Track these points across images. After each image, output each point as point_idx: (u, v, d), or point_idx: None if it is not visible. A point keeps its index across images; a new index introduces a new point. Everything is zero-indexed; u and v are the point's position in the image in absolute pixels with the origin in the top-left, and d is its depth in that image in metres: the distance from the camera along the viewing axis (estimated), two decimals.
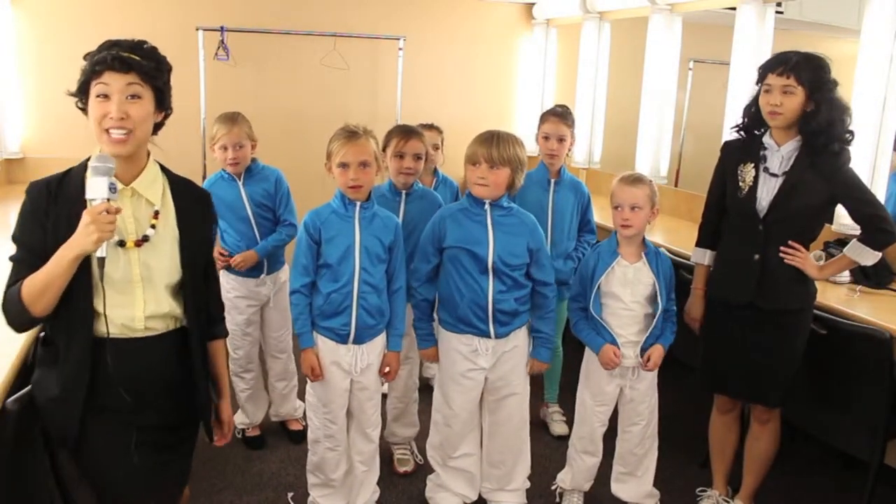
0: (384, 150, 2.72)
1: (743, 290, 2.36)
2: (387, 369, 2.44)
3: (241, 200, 2.96)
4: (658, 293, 2.44)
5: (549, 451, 3.10)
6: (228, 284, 2.98)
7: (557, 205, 3.05)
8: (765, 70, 2.31)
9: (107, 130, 1.57)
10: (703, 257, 2.53)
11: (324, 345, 2.35)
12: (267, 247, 2.98)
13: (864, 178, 3.02)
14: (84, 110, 1.62)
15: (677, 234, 3.74)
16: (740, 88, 3.75)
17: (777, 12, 3.71)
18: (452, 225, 2.37)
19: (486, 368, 2.44)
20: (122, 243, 1.59)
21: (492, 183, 2.31)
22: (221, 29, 4.59)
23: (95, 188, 1.55)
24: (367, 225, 2.32)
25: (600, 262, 2.47)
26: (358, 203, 2.31)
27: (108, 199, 1.53)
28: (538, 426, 3.32)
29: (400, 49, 5.05)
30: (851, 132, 2.28)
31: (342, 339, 2.33)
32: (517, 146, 2.34)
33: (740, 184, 2.36)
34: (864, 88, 3.05)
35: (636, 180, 2.43)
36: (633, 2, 4.55)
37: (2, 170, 4.48)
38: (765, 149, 2.35)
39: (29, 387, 1.63)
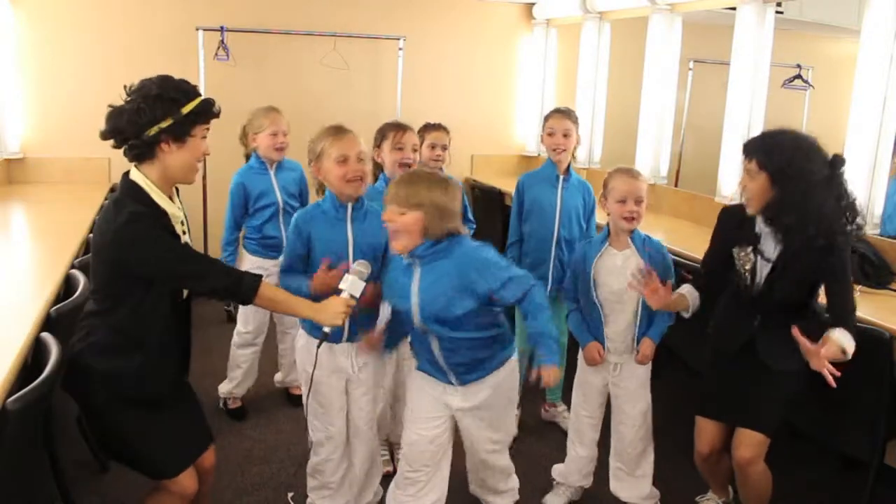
0: (379, 146, 2.73)
1: (741, 339, 2.30)
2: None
3: (273, 189, 3.24)
4: None
5: (549, 451, 3.10)
6: (250, 264, 3.25)
7: (566, 202, 3.07)
8: (742, 151, 2.23)
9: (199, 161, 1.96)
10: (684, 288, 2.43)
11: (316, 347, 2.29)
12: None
13: (864, 178, 3.03)
14: (161, 140, 1.87)
15: (677, 234, 3.74)
16: (740, 88, 3.76)
17: (777, 12, 3.71)
18: (390, 273, 2.16)
19: (456, 408, 2.21)
20: (186, 244, 1.98)
21: (401, 226, 1.98)
22: (221, 29, 4.60)
23: (356, 288, 2.03)
24: (360, 224, 2.26)
25: (589, 252, 2.50)
26: (350, 205, 2.24)
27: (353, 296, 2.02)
28: (538, 426, 3.33)
29: (400, 49, 5.05)
30: (847, 228, 2.09)
31: (336, 338, 2.29)
32: (434, 189, 1.98)
33: (738, 269, 2.27)
34: (864, 88, 3.05)
35: (637, 173, 2.45)
36: (633, 2, 4.55)
37: (2, 170, 4.49)
38: (759, 230, 2.24)
39: (37, 381, 1.63)
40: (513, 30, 5.61)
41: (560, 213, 3.06)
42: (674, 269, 2.52)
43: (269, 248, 3.27)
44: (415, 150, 2.72)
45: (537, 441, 3.19)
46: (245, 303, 1.97)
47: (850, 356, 2.05)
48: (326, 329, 2.03)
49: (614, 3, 4.75)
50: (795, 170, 2.06)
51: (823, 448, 2.99)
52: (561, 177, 3.07)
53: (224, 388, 3.36)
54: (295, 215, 2.34)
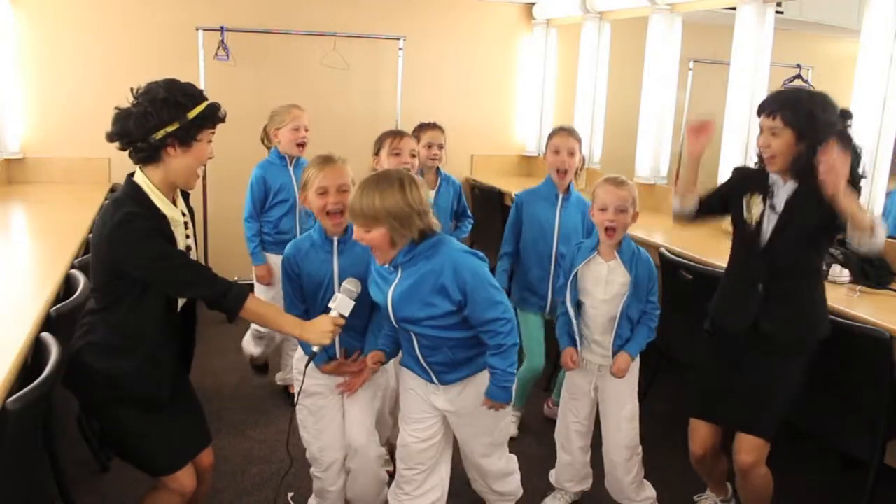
0: (377, 154, 2.71)
1: (744, 316, 2.28)
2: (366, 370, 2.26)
3: (291, 184, 3.31)
4: (627, 292, 2.40)
5: (549, 452, 3.09)
6: (268, 260, 3.40)
7: (564, 220, 3.04)
8: (758, 110, 2.25)
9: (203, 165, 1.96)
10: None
11: (313, 366, 2.27)
12: None
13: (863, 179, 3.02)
14: (172, 142, 1.87)
15: (677, 235, 3.73)
16: (740, 88, 3.75)
17: (777, 12, 3.71)
18: (371, 282, 2.13)
19: (441, 409, 2.20)
20: (189, 248, 2.01)
21: (369, 242, 1.96)
22: (221, 29, 4.60)
23: (345, 307, 2.02)
24: (347, 258, 2.19)
25: (578, 258, 2.49)
26: (335, 239, 2.19)
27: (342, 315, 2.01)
28: (540, 426, 3.33)
29: (400, 49, 5.05)
30: (859, 175, 2.15)
31: (321, 359, 2.26)
32: (386, 197, 1.90)
33: (745, 216, 2.28)
34: (864, 88, 3.05)
35: (622, 182, 2.42)
36: (633, 2, 4.56)
37: (2, 170, 4.49)
38: (773, 182, 2.27)
39: (35, 384, 1.63)
40: (513, 30, 5.61)
41: (559, 232, 3.04)
42: (656, 286, 2.47)
43: (283, 243, 3.31)
44: (413, 156, 2.70)
45: (538, 442, 3.19)
46: (231, 314, 1.94)
47: (877, 240, 2.01)
48: (315, 348, 2.04)
49: (614, 3, 4.75)
50: (820, 123, 2.10)
51: (823, 448, 2.99)
52: (560, 195, 3.05)
53: (248, 348, 3.59)
54: (285, 251, 2.27)
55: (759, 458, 2.28)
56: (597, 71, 5.00)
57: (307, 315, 2.21)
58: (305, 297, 2.25)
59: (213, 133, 1.95)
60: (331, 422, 2.35)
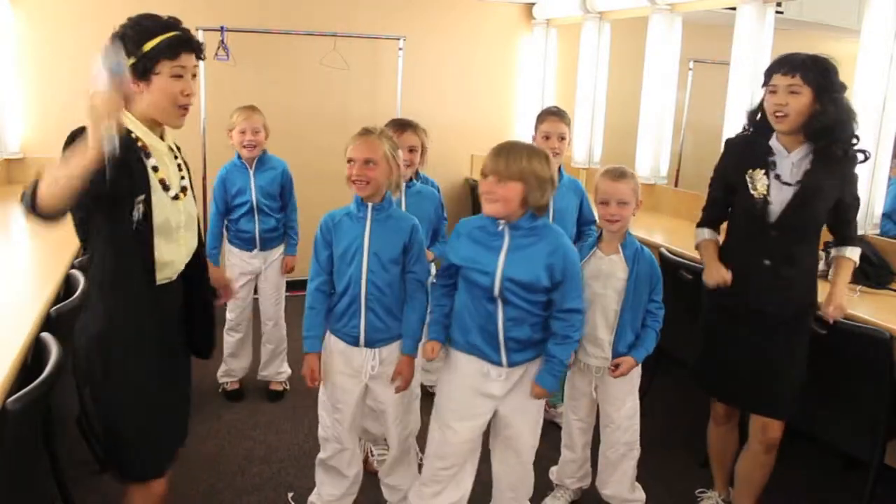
0: None
1: (754, 295, 2.29)
2: (398, 380, 2.29)
3: (249, 187, 3.33)
4: (627, 288, 2.39)
5: (548, 451, 3.09)
6: (231, 255, 3.48)
7: (558, 205, 3.03)
8: (770, 71, 2.24)
9: (181, 105, 1.78)
10: (705, 233, 2.51)
11: (336, 346, 2.31)
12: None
13: (864, 178, 3.03)
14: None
15: (677, 234, 3.73)
16: (740, 88, 3.76)
17: (777, 12, 3.71)
18: (466, 242, 2.17)
19: (499, 397, 2.21)
20: (176, 196, 1.83)
21: (501, 197, 2.04)
22: (221, 29, 4.59)
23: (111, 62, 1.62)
24: (380, 226, 2.23)
25: (581, 253, 2.46)
26: (370, 204, 2.23)
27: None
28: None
29: (400, 49, 5.05)
30: (857, 137, 2.23)
31: (354, 341, 2.28)
32: (533, 160, 2.05)
33: (751, 191, 2.27)
34: (864, 88, 3.05)
35: (621, 175, 2.39)
36: (633, 2, 4.56)
37: (2, 170, 4.49)
38: (773, 154, 2.27)
39: (32, 386, 1.63)
40: (513, 30, 5.61)
41: (554, 216, 3.00)
42: (661, 285, 2.46)
43: (243, 241, 3.43)
44: (412, 151, 2.70)
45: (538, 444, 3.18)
46: (35, 212, 1.64)
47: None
48: (105, 149, 1.50)
49: (614, 3, 4.75)
50: (836, 83, 2.17)
51: (823, 448, 2.99)
52: None
53: (220, 370, 3.56)
54: (322, 220, 2.30)
55: (778, 437, 2.38)
56: (597, 71, 5.00)
57: (331, 286, 2.29)
58: (333, 268, 2.28)
59: (181, 66, 1.77)
60: (347, 409, 2.34)
